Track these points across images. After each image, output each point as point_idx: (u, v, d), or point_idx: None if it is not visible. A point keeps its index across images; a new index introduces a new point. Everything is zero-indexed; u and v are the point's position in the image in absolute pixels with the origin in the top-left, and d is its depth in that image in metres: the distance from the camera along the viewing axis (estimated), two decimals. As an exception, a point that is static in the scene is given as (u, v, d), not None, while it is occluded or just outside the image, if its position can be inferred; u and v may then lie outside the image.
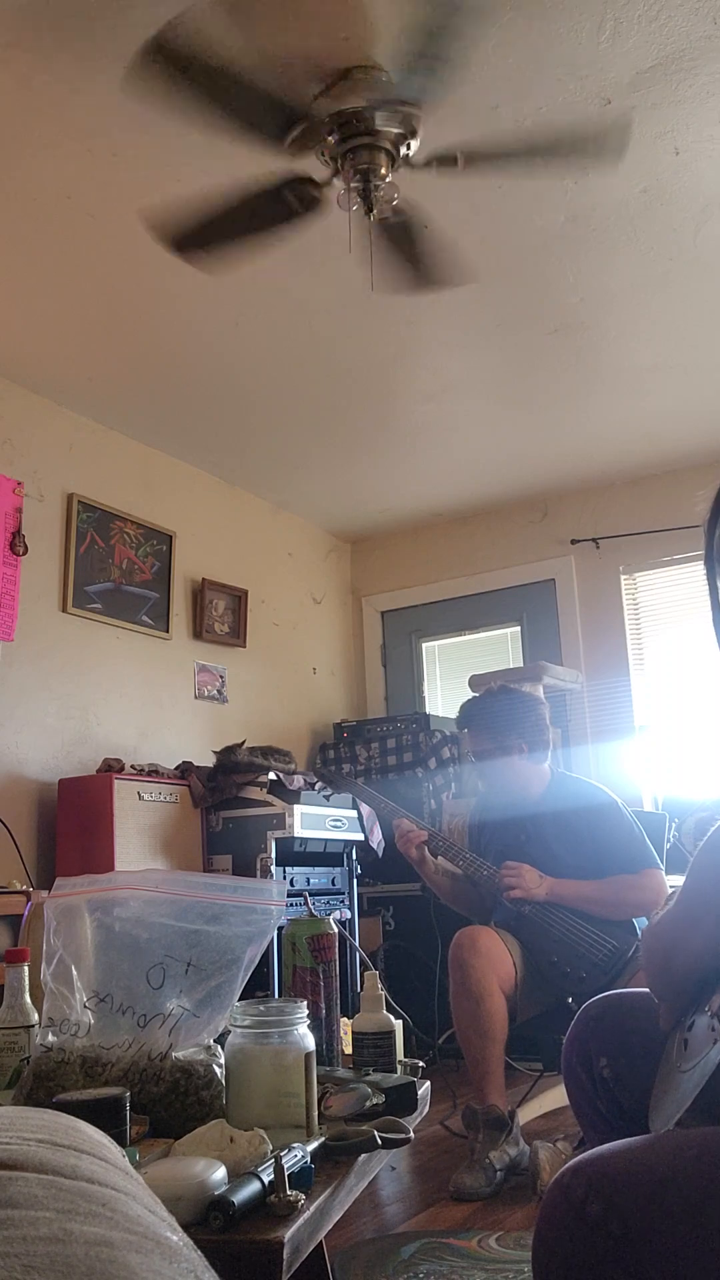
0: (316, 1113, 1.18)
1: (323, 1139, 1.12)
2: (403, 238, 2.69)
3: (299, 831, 3.66)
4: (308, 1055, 1.16)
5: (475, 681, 4.03)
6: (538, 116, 2.47)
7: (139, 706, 4.04)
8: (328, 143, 2.40)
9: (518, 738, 2.85)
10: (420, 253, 2.78)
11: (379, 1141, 1.13)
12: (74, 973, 1.27)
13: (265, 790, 3.74)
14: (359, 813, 3.98)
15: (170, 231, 2.71)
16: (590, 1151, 0.92)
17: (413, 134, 2.42)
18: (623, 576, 4.82)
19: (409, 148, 2.44)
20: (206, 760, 3.91)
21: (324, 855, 3.89)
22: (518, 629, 5.10)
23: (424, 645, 5.38)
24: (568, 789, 2.93)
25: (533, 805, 2.86)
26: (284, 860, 3.68)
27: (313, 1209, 0.98)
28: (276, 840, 3.65)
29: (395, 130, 2.39)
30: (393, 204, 2.47)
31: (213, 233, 2.68)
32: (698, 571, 4.89)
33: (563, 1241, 0.86)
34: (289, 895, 1.47)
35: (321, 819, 3.80)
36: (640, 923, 2.69)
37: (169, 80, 2.28)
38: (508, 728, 2.86)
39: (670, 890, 2.46)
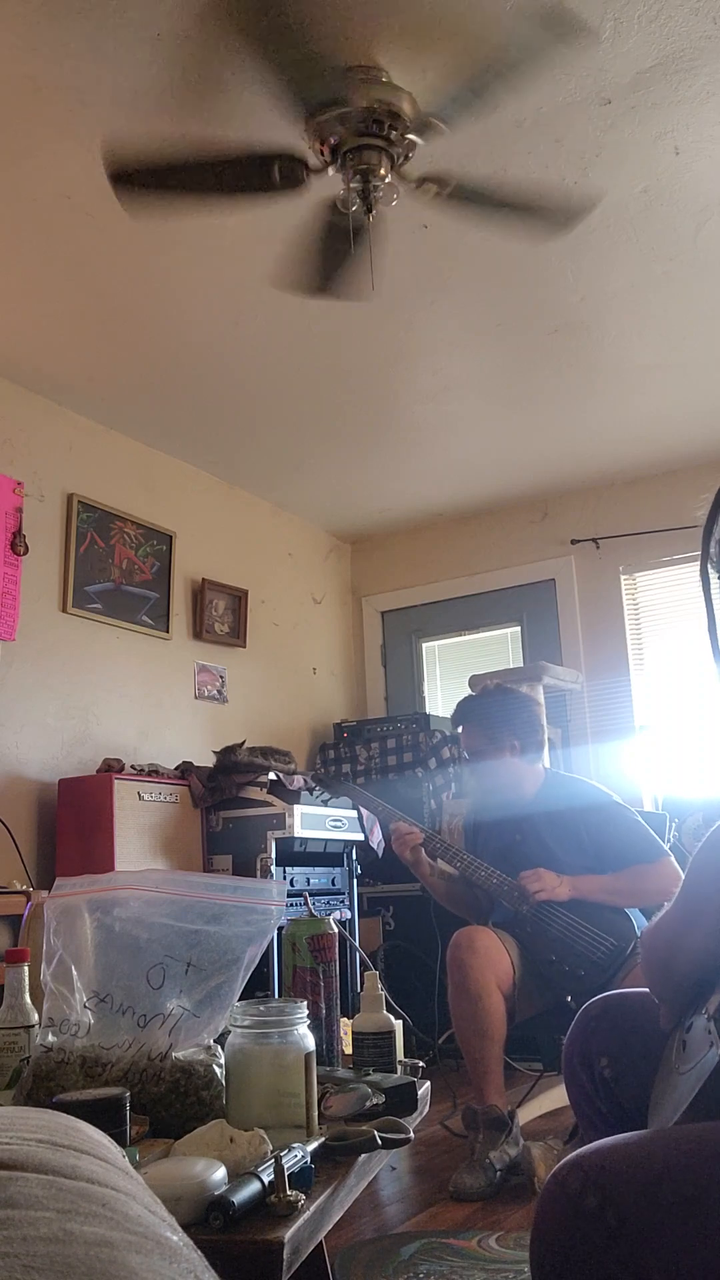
0: (316, 1113, 1.18)
1: (323, 1139, 1.12)
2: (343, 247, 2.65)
3: (299, 831, 3.66)
4: (308, 1055, 1.16)
5: (475, 682, 4.03)
6: (538, 118, 2.47)
7: (139, 706, 4.04)
8: (339, 133, 2.37)
9: (511, 736, 2.86)
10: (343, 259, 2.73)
11: (379, 1141, 1.13)
12: (74, 973, 1.27)
13: (265, 790, 3.74)
14: (359, 813, 3.97)
15: (119, 163, 2.48)
16: (587, 1146, 0.92)
17: (414, 147, 2.42)
18: (623, 576, 4.82)
19: (407, 159, 2.43)
20: (206, 760, 3.91)
21: (324, 855, 3.89)
22: (518, 629, 5.10)
23: (424, 645, 5.38)
24: (563, 788, 2.93)
25: (527, 805, 2.86)
26: (284, 860, 3.68)
27: (313, 1209, 0.98)
28: (276, 840, 3.65)
29: (411, 139, 2.39)
30: (392, 204, 2.47)
31: (165, 177, 2.47)
32: (698, 571, 4.88)
33: (559, 1234, 0.86)
34: (289, 895, 1.48)
35: (321, 819, 3.80)
36: (639, 920, 2.69)
37: (235, 23, 2.18)
38: (501, 726, 2.86)
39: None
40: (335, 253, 2.68)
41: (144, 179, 2.48)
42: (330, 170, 2.44)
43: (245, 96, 2.38)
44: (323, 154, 2.43)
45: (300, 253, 2.71)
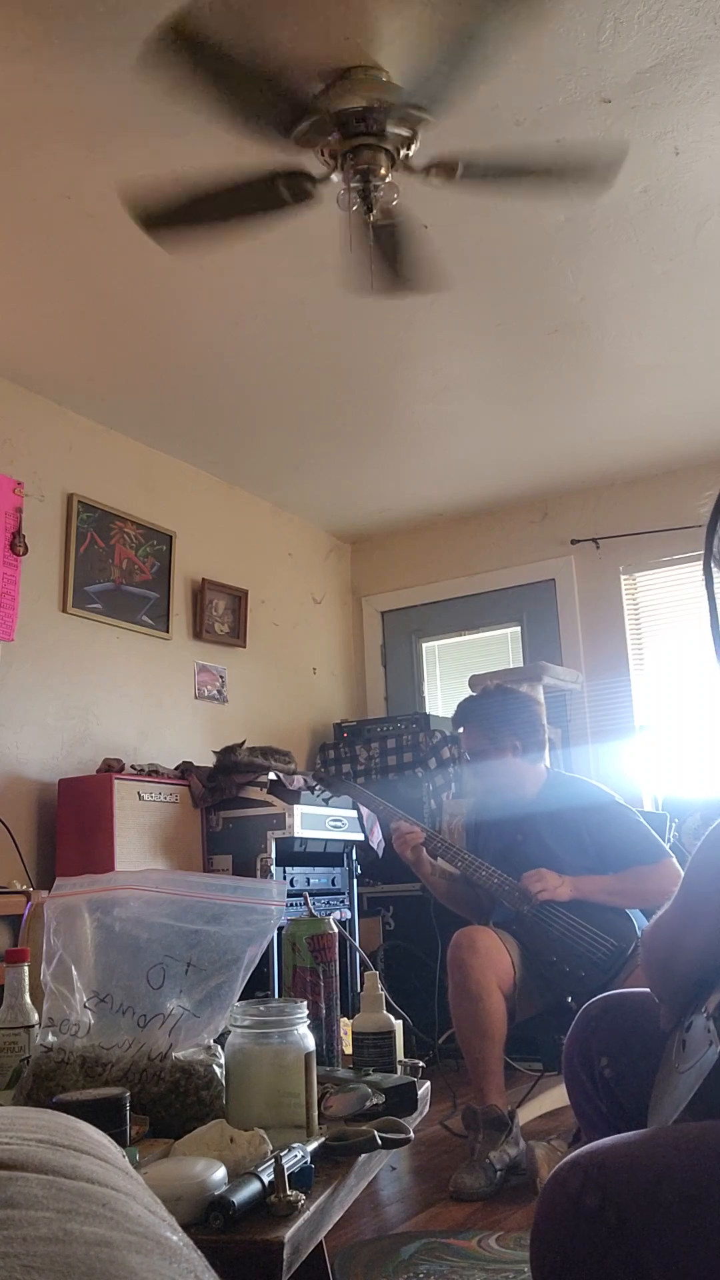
0: (316, 1113, 1.18)
1: (323, 1139, 1.12)
2: (388, 241, 2.67)
3: (299, 831, 3.66)
4: (308, 1055, 1.16)
5: (475, 682, 4.03)
6: (538, 118, 2.47)
7: (139, 706, 4.04)
8: (331, 140, 2.39)
9: (512, 736, 2.86)
10: (402, 257, 2.76)
11: (379, 1141, 1.13)
12: (74, 973, 1.27)
13: (265, 790, 3.74)
14: (359, 813, 3.97)
15: (143, 207, 2.63)
16: (587, 1145, 0.92)
17: (414, 137, 2.42)
18: (623, 576, 4.82)
19: (410, 151, 2.44)
20: (206, 760, 3.91)
21: (324, 855, 3.89)
22: (518, 629, 5.10)
23: (424, 645, 5.38)
24: (564, 788, 2.93)
25: (528, 805, 2.87)
26: (284, 860, 3.68)
27: (313, 1209, 0.98)
28: (277, 840, 3.65)
29: (400, 133, 2.39)
30: (392, 204, 2.47)
31: (189, 213, 2.61)
32: (698, 571, 4.88)
33: (560, 1233, 0.86)
34: (289, 895, 1.48)
35: (321, 819, 3.80)
36: (639, 920, 2.69)
37: (180, 66, 2.25)
38: (502, 726, 2.86)
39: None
40: (387, 247, 2.70)
41: (169, 218, 2.59)
42: (334, 176, 2.45)
43: (226, 124, 2.43)
44: (326, 161, 2.43)
45: (359, 255, 2.71)
